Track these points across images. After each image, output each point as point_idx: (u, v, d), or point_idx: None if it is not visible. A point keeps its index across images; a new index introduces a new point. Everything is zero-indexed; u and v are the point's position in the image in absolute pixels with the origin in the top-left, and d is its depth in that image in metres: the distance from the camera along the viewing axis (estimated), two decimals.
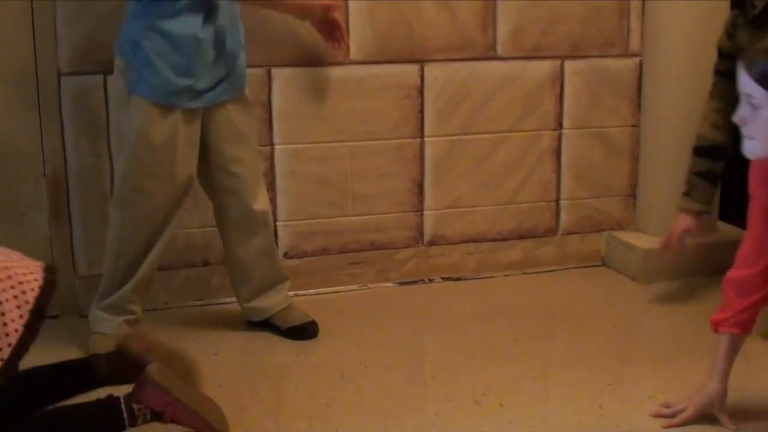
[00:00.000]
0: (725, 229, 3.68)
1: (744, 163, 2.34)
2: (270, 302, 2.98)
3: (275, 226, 3.32)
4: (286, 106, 3.29)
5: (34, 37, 2.97)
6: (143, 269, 2.76)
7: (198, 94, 2.64)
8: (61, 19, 2.99)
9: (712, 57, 2.97)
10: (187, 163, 2.71)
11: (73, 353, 2.78)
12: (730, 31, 2.83)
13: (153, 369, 2.07)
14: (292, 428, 2.38)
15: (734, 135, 3.77)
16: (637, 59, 3.64)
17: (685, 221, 3.08)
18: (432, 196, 3.52)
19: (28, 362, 2.75)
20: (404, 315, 3.19)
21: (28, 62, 2.98)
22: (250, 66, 2.84)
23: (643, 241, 3.59)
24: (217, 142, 2.76)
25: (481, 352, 2.85)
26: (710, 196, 3.10)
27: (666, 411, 2.39)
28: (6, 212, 3.04)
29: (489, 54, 3.47)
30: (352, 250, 3.46)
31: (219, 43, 2.63)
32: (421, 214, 3.52)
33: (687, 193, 3.07)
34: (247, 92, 2.82)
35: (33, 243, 3.07)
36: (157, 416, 2.07)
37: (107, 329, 2.77)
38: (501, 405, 2.48)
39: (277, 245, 3.32)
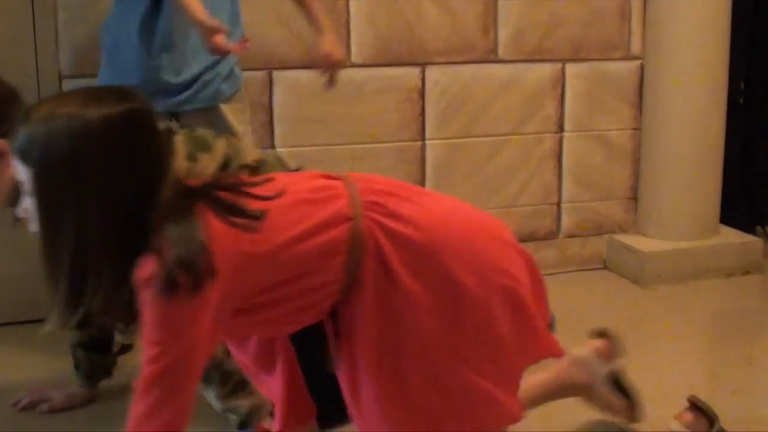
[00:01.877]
0: (726, 232, 3.68)
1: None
2: None
3: None
4: (287, 109, 3.28)
5: (35, 40, 2.97)
6: None
7: (150, 97, 2.61)
8: (62, 22, 2.99)
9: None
10: None
11: None
12: None
13: None
14: None
15: (735, 134, 3.78)
16: (639, 62, 3.64)
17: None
18: None
19: (30, 365, 2.76)
20: None
21: (29, 64, 2.97)
22: (250, 69, 2.83)
23: (645, 244, 3.58)
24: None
25: None
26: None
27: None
28: (7, 215, 3.03)
29: (490, 57, 3.47)
30: None
31: (167, 48, 2.56)
32: None
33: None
34: (227, 110, 2.70)
35: (34, 246, 3.06)
36: None
37: None
38: None
39: None
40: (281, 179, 1.66)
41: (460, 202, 1.78)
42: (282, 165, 2.16)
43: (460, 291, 1.62)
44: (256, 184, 1.59)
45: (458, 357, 1.64)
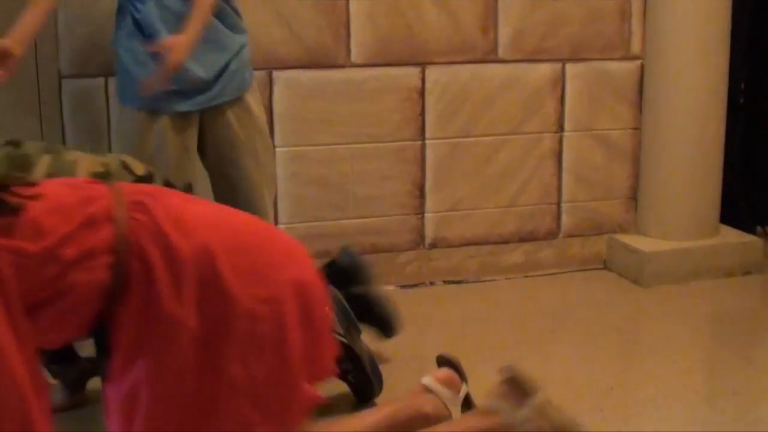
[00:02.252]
0: (726, 232, 3.68)
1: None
2: None
3: None
4: (287, 109, 3.29)
5: (35, 39, 2.96)
6: None
7: (183, 97, 2.61)
8: (62, 22, 2.99)
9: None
10: (182, 171, 2.67)
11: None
12: None
13: None
14: None
15: (735, 134, 3.78)
16: (639, 62, 3.64)
17: None
18: (433, 198, 3.51)
19: None
20: (405, 318, 3.18)
21: (29, 64, 2.97)
22: None
23: (645, 244, 3.58)
24: (216, 148, 2.73)
25: (482, 356, 2.85)
26: None
27: None
28: None
29: (490, 56, 3.47)
30: None
31: (198, 45, 2.54)
32: (423, 217, 3.51)
33: None
34: (250, 99, 2.73)
35: None
36: None
37: None
38: None
39: None
40: (45, 185, 1.60)
41: (235, 210, 1.72)
42: (129, 171, 2.10)
43: (228, 298, 1.53)
44: (16, 185, 1.53)
45: (223, 376, 1.54)
